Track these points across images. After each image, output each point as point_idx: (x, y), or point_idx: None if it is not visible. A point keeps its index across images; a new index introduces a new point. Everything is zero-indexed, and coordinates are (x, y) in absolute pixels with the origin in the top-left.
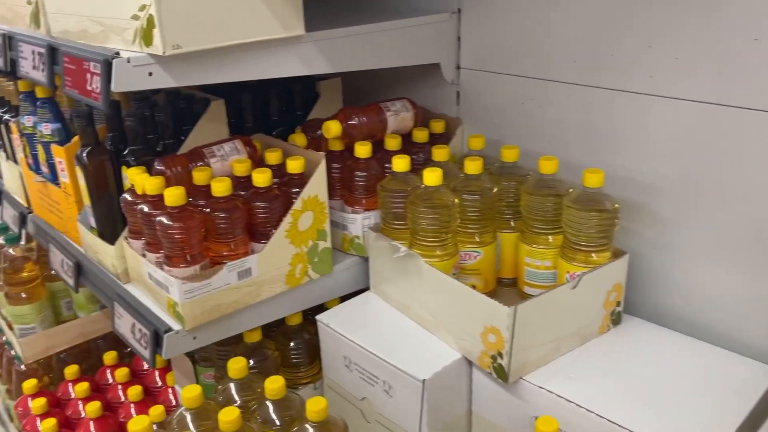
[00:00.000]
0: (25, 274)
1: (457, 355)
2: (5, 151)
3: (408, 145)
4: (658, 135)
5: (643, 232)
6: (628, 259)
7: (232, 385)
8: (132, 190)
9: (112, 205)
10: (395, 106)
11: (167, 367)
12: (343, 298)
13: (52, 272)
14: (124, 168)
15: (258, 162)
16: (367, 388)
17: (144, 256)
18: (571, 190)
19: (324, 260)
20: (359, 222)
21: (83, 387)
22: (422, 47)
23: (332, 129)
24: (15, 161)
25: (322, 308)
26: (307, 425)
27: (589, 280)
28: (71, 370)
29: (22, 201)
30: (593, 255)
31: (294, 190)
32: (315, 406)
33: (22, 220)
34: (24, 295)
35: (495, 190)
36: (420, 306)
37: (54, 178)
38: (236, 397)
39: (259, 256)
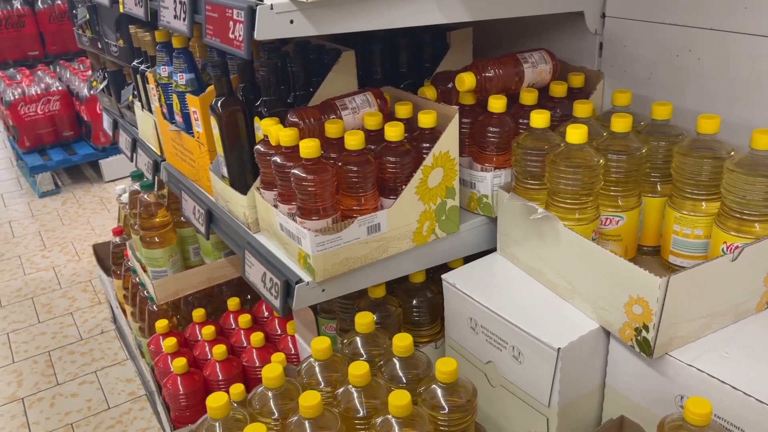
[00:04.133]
0: (158, 220)
1: (594, 325)
2: (140, 100)
3: (544, 100)
4: None
5: None
6: None
7: (358, 339)
8: (265, 141)
9: (243, 155)
10: (533, 57)
11: (288, 317)
12: (466, 259)
13: (182, 219)
14: (256, 119)
15: (388, 115)
16: (494, 352)
17: (276, 207)
18: (732, 153)
19: (451, 219)
20: (489, 180)
21: (210, 330)
22: None
23: (466, 81)
24: (150, 110)
25: (444, 267)
26: (435, 386)
27: (751, 253)
28: (198, 313)
29: (155, 149)
30: (756, 225)
31: (424, 145)
32: (445, 367)
33: (156, 168)
34: (157, 240)
35: (644, 150)
36: (554, 271)
37: (187, 127)
38: (362, 351)
39: (388, 212)
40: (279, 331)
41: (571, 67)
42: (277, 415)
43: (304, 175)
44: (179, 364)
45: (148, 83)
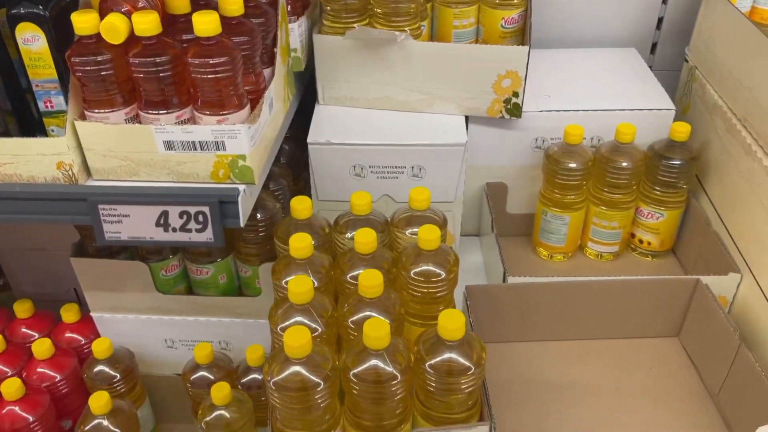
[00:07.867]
0: None
1: (461, 118)
2: None
3: None
4: None
5: None
6: None
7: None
8: (82, 44)
9: (19, 83)
10: None
11: (41, 313)
12: None
13: None
14: (25, 25)
15: None
16: (387, 184)
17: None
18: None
19: (292, 78)
20: (296, 31)
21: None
22: None
23: None
24: None
25: None
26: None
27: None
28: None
29: None
30: None
31: None
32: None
33: None
34: None
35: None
36: (406, 90)
37: None
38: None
39: (274, 83)
40: (36, 335)
41: None
42: None
43: (209, 60)
44: None
45: None
